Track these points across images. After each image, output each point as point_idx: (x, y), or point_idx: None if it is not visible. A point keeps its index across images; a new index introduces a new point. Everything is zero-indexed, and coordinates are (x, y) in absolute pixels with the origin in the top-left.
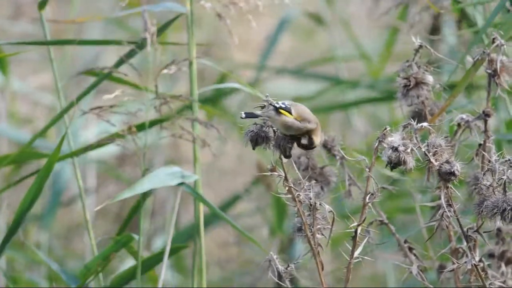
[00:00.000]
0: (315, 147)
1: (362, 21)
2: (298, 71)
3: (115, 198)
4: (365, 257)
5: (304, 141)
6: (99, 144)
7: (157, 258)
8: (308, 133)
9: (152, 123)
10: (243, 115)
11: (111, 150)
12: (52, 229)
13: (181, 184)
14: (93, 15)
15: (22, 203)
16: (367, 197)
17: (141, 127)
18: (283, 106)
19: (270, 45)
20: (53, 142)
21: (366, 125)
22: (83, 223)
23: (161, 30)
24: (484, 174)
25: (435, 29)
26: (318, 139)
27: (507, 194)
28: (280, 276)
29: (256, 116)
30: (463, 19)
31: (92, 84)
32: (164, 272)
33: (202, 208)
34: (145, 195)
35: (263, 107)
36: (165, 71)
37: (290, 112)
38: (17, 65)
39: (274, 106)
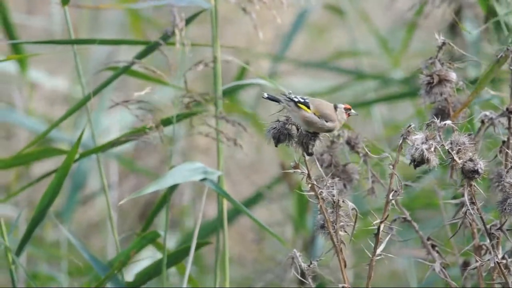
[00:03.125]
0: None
1: (376, 17)
2: (321, 64)
3: (137, 193)
4: (387, 254)
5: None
6: (125, 139)
7: (180, 254)
8: (329, 131)
9: (179, 118)
10: (265, 95)
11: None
12: (70, 226)
13: (204, 179)
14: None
15: (42, 200)
16: (391, 194)
17: (167, 122)
18: (302, 100)
19: (288, 37)
20: (71, 135)
21: (385, 117)
22: (107, 219)
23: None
24: (507, 171)
25: (454, 25)
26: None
27: None
28: (303, 274)
29: (278, 100)
30: (490, 15)
31: (113, 75)
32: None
33: (226, 204)
34: (169, 190)
35: (279, 101)
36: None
37: (308, 107)
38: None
39: (292, 100)
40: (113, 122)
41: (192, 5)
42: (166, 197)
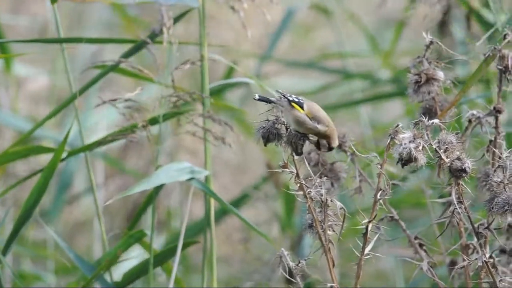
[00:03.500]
0: (332, 149)
1: (361, 17)
2: (309, 63)
3: (124, 193)
4: (375, 254)
5: (322, 142)
6: (113, 138)
7: (167, 254)
8: (321, 135)
9: (166, 117)
10: (257, 97)
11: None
12: (57, 226)
13: (191, 179)
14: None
15: (28, 200)
16: (379, 194)
17: (154, 121)
18: (296, 100)
19: (275, 36)
20: (56, 133)
21: (372, 116)
22: (94, 218)
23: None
24: (495, 170)
25: (443, 24)
26: (335, 142)
27: None
28: (290, 273)
29: (269, 101)
30: (472, 13)
31: (100, 73)
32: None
33: (213, 204)
34: (156, 190)
35: (271, 102)
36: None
37: (302, 107)
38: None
39: (287, 98)
40: (98, 120)
41: (180, 4)
42: (152, 196)
